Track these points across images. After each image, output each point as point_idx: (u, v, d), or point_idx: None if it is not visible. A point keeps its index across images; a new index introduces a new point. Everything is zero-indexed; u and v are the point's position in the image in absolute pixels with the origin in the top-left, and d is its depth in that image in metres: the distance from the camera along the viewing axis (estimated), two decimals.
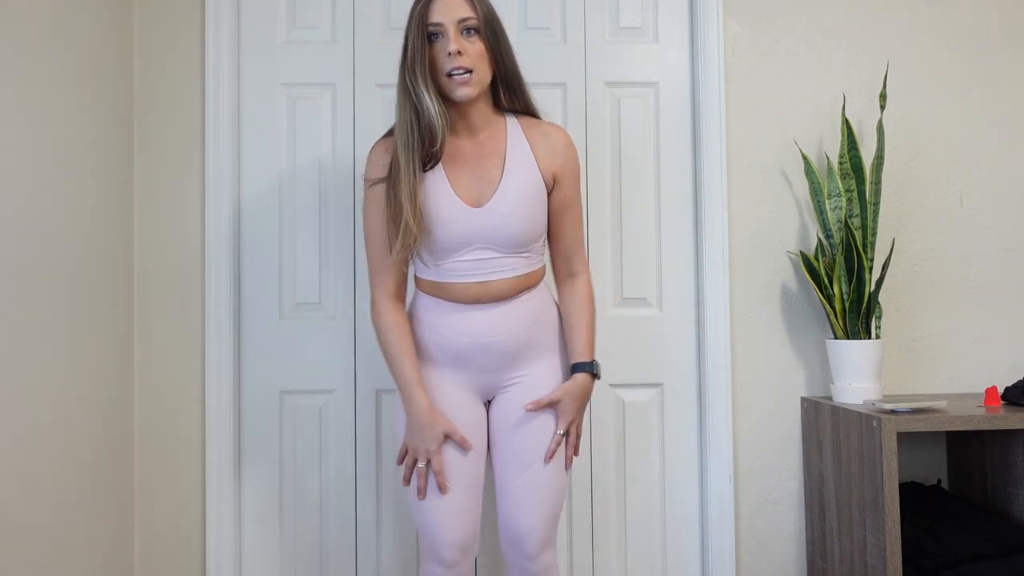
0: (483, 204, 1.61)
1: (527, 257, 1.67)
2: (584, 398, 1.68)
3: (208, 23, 2.14)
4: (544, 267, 1.74)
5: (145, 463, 2.12)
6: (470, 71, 1.54)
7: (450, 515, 1.62)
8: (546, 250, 1.76)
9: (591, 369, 1.68)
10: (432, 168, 1.62)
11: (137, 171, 2.14)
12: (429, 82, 1.55)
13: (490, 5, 1.63)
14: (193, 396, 2.13)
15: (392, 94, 2.17)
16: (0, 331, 1.54)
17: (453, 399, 1.68)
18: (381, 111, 2.19)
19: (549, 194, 1.68)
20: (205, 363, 2.12)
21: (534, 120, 1.72)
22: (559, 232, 1.71)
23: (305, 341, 2.17)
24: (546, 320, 1.72)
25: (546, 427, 1.66)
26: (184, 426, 2.12)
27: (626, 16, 2.25)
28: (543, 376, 1.69)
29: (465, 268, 1.63)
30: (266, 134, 2.18)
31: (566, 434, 1.67)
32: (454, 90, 1.55)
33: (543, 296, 1.73)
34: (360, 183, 2.17)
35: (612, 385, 2.21)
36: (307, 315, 2.17)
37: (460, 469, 1.64)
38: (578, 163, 1.71)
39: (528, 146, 1.66)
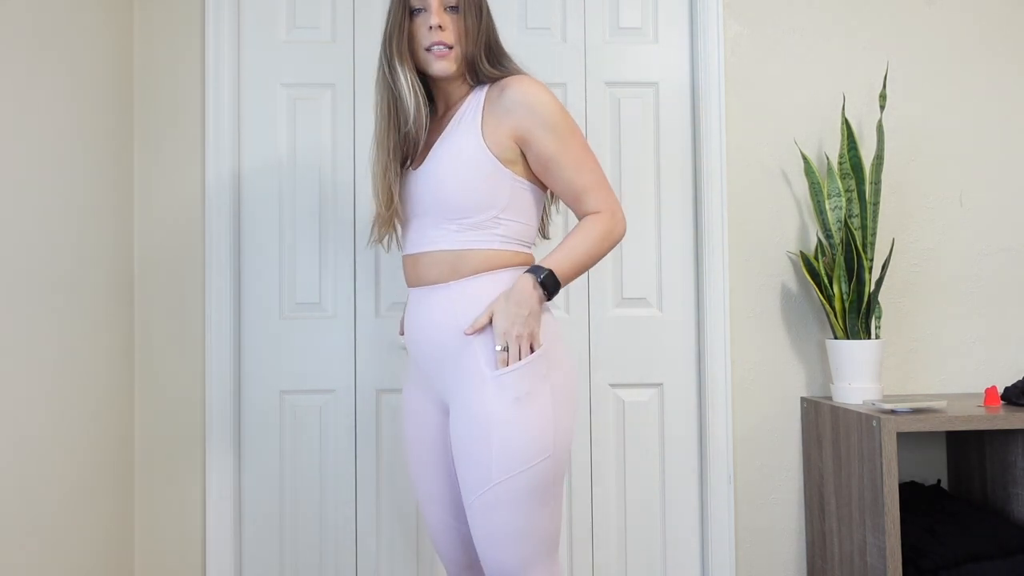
0: (419, 167, 1.51)
1: (462, 232, 1.45)
2: (517, 300, 1.39)
3: (208, 23, 2.14)
4: (495, 256, 1.46)
5: (145, 463, 2.12)
6: (450, 47, 1.48)
7: (438, 532, 1.56)
8: (496, 231, 1.47)
9: (535, 273, 1.41)
10: (414, 162, 1.53)
11: (137, 171, 2.14)
12: (406, 56, 1.49)
13: None
14: (193, 396, 2.13)
15: None
16: (0, 331, 1.54)
17: (410, 409, 1.58)
18: None
19: (523, 158, 1.48)
20: (205, 363, 2.12)
21: (504, 80, 1.50)
22: (554, 187, 1.49)
23: (305, 341, 2.17)
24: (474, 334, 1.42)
25: (477, 457, 1.39)
26: (184, 426, 2.12)
27: (626, 16, 2.25)
28: (472, 408, 1.39)
29: (409, 239, 1.52)
30: (266, 134, 2.18)
31: (507, 349, 1.39)
32: (431, 63, 1.48)
33: (483, 298, 1.44)
34: (360, 183, 2.18)
35: (612, 385, 2.21)
36: (307, 315, 2.18)
37: (427, 485, 1.55)
38: (548, 111, 1.43)
39: (480, 112, 1.47)
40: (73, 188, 1.81)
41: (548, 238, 1.65)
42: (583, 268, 1.46)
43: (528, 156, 1.46)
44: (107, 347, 1.96)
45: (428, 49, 1.48)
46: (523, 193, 1.48)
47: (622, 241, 2.20)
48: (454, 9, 1.48)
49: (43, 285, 1.69)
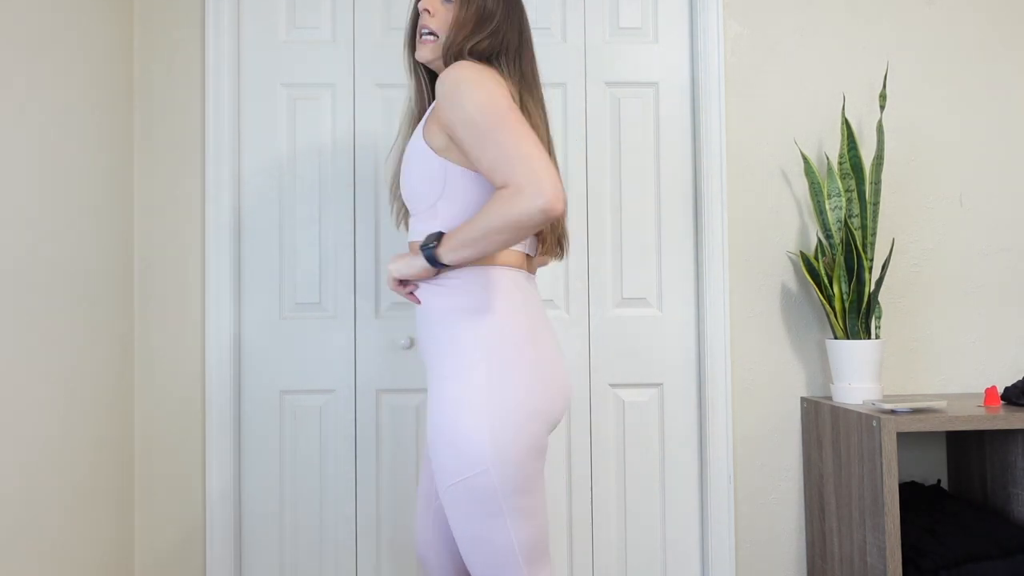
0: None
1: (418, 223, 1.46)
2: (404, 257, 1.43)
3: (208, 23, 2.14)
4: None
5: (145, 463, 2.12)
6: (434, 33, 1.49)
7: (417, 529, 1.60)
8: (434, 223, 1.44)
9: (424, 242, 1.39)
10: None
11: (137, 171, 2.14)
12: (410, 44, 1.57)
13: None
14: (193, 396, 2.13)
15: (391, 93, 2.20)
16: (0, 331, 1.54)
17: None
18: (381, 111, 2.19)
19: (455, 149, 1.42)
20: (205, 363, 2.12)
21: None
22: (479, 170, 1.37)
23: (305, 341, 2.17)
24: (444, 327, 1.40)
25: (432, 458, 1.38)
26: (184, 426, 2.12)
27: (626, 16, 2.25)
28: (431, 411, 1.37)
29: None
30: (266, 134, 2.18)
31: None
32: (418, 50, 1.52)
33: (447, 295, 1.42)
34: (359, 183, 2.19)
35: (612, 385, 2.21)
36: (307, 315, 2.18)
37: (422, 482, 1.59)
38: (452, 89, 1.35)
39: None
40: (73, 188, 1.81)
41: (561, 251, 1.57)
42: (474, 242, 1.33)
43: (453, 141, 1.40)
44: (107, 347, 1.96)
45: (420, 34, 1.51)
46: (459, 180, 1.41)
47: (622, 240, 2.22)
48: (448, 0, 1.50)
49: (43, 285, 1.69)
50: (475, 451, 1.33)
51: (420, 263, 1.40)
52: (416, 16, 1.55)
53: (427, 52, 1.49)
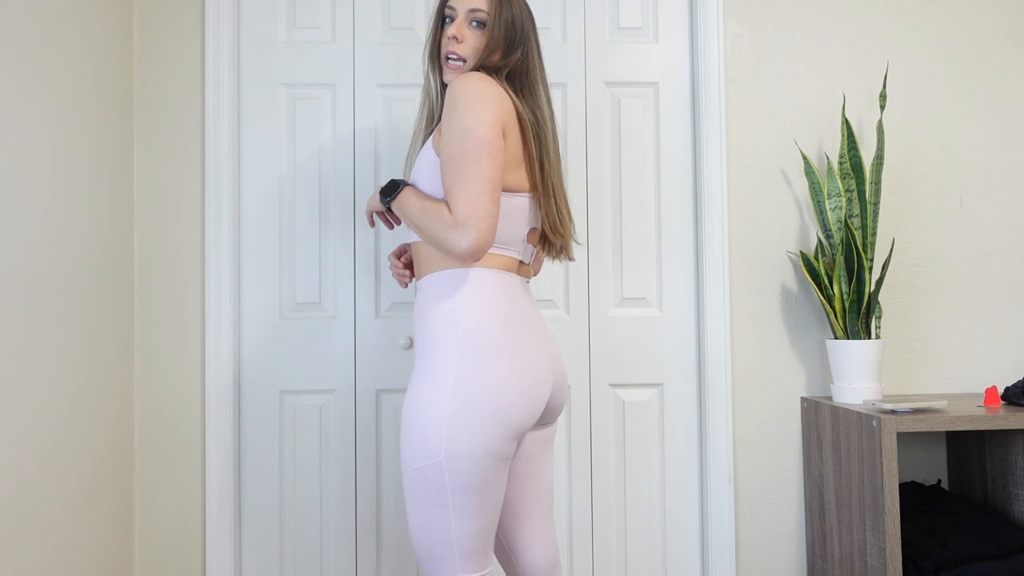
0: None
1: None
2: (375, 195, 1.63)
3: (208, 23, 2.14)
4: (435, 252, 1.50)
5: (145, 463, 2.12)
6: (463, 60, 1.54)
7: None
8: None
9: (389, 186, 1.53)
10: None
11: (137, 171, 2.14)
12: (435, 61, 1.60)
13: (519, 9, 1.55)
14: (193, 396, 2.13)
15: (392, 93, 2.20)
16: (0, 331, 1.54)
17: None
18: (381, 111, 2.19)
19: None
20: (205, 363, 2.12)
21: None
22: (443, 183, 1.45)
23: (305, 341, 2.17)
24: (427, 324, 1.46)
25: (409, 446, 1.43)
26: (184, 426, 2.12)
27: (626, 16, 2.25)
28: (405, 399, 1.47)
29: None
30: (266, 134, 2.18)
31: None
32: (444, 72, 1.57)
33: (439, 293, 1.46)
34: (359, 183, 2.19)
35: (612, 385, 2.21)
36: (307, 315, 2.18)
37: None
38: (450, 105, 1.42)
39: None
40: (73, 188, 1.81)
41: (563, 251, 1.59)
42: (412, 223, 1.45)
43: None
44: (107, 347, 1.96)
45: (447, 58, 1.55)
46: None
47: (622, 240, 2.22)
48: (480, 24, 1.53)
49: (43, 285, 1.69)
50: (431, 442, 1.38)
51: (377, 196, 1.59)
52: (437, 31, 1.58)
53: (454, 76, 1.54)
